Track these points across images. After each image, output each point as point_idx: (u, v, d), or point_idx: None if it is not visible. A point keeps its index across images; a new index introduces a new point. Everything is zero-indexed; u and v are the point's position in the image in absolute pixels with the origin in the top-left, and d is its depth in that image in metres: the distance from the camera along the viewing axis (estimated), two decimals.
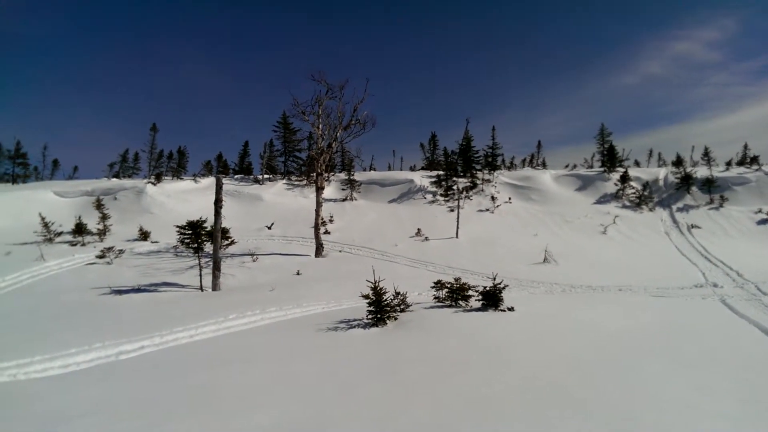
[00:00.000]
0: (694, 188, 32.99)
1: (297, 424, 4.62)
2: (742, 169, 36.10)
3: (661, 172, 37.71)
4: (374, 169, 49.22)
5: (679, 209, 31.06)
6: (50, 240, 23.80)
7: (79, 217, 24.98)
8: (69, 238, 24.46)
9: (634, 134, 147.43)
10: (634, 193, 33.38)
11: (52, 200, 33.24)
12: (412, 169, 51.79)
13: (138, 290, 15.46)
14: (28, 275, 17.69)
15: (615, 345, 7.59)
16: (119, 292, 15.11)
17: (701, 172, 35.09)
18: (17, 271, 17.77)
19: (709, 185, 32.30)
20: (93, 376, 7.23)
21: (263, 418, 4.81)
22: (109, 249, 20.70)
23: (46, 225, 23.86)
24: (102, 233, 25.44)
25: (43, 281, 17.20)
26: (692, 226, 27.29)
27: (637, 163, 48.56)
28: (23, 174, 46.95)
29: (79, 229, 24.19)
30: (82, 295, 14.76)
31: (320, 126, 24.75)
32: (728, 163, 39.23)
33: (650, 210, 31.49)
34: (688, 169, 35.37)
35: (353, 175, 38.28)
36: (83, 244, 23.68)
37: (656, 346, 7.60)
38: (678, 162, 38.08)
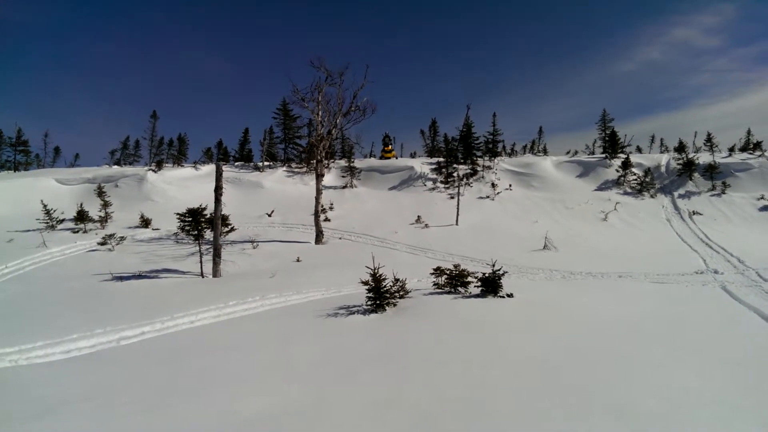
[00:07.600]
0: (696, 174, 32.70)
1: (296, 407, 4.67)
2: (744, 155, 35.66)
3: (663, 159, 37.38)
4: (374, 156, 48.94)
5: (681, 196, 30.92)
6: (52, 227, 23.87)
7: (81, 205, 24.96)
8: (71, 225, 24.52)
9: (636, 120, 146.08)
10: (636, 179, 33.14)
11: (53, 187, 33.26)
12: (413, 156, 51.48)
13: (139, 276, 15.54)
14: (30, 262, 17.77)
15: (614, 332, 7.61)
16: (121, 278, 15.19)
17: (704, 158, 34.70)
18: (19, 258, 17.85)
19: (711, 171, 31.94)
20: (95, 362, 7.32)
21: (263, 401, 4.87)
22: (111, 236, 20.75)
23: (47, 212, 23.91)
24: (103, 220, 25.50)
25: (45, 268, 17.27)
26: (694, 213, 27.19)
27: (638, 149, 47.99)
28: (25, 161, 46.78)
29: (81, 217, 24.20)
30: (84, 282, 14.84)
31: (320, 113, 24.60)
32: (731, 149, 38.71)
33: (652, 196, 31.35)
34: (691, 155, 34.99)
35: (353, 162, 38.04)
36: (85, 231, 23.76)
37: (656, 332, 7.61)
38: (680, 148, 37.63)
